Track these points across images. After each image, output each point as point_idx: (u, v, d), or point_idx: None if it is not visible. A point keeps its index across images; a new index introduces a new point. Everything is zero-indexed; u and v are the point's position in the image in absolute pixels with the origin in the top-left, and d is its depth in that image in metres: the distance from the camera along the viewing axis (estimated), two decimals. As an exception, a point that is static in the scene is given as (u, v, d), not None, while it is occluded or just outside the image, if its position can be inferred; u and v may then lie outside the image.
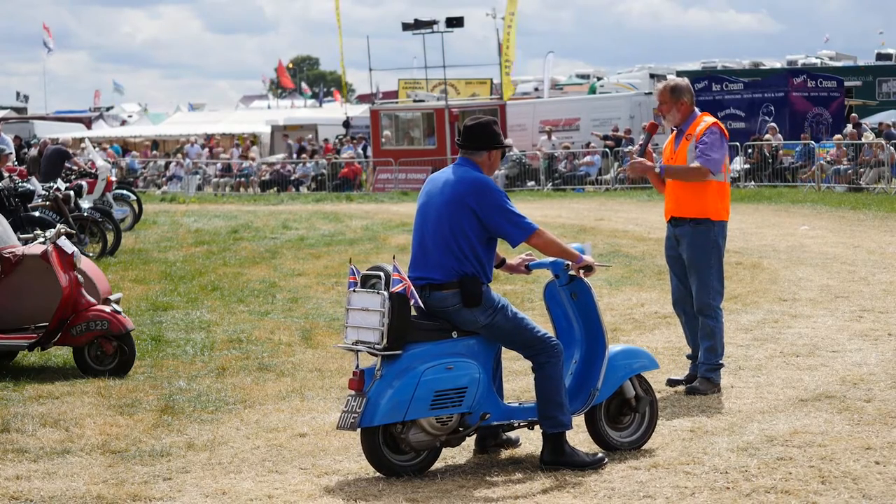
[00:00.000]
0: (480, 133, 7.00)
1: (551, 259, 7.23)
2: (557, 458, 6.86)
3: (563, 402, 6.88)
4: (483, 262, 6.88)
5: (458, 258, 6.80)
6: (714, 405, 8.35)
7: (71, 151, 24.65)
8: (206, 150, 44.44)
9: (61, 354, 10.62)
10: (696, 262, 8.85)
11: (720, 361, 8.85)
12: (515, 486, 6.60)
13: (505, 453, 7.25)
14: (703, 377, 8.79)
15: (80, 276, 10.10)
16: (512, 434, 7.26)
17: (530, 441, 7.43)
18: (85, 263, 10.46)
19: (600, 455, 6.98)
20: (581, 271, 7.09)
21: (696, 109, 8.99)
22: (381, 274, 6.75)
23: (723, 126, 8.95)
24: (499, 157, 7.06)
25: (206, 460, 7.28)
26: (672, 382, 8.97)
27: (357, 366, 6.76)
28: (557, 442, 6.88)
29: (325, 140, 43.28)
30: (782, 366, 9.53)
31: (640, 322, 11.70)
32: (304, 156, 40.08)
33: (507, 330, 6.86)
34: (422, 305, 6.74)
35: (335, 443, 7.54)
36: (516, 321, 6.88)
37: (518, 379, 9.10)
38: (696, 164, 8.72)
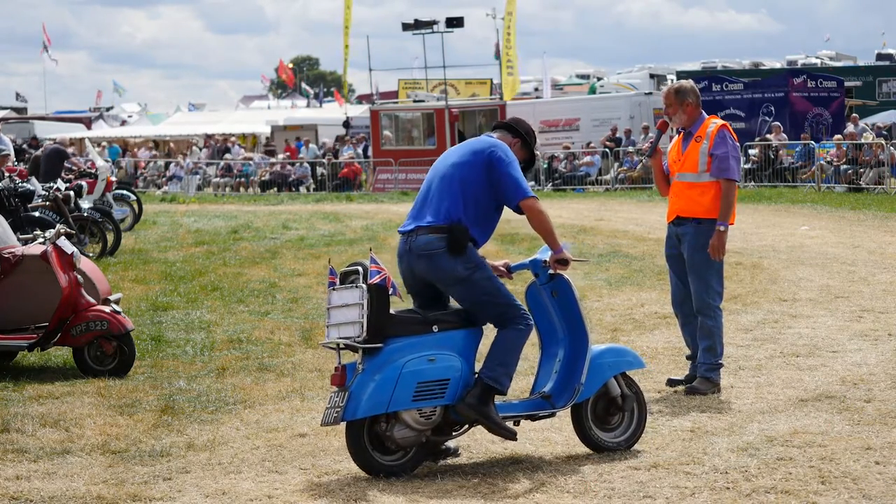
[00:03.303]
0: (519, 121, 7.34)
1: (530, 258, 7.33)
2: (479, 406, 6.78)
3: (510, 370, 6.89)
4: (480, 219, 6.94)
5: (457, 205, 6.88)
6: (714, 405, 8.34)
7: (71, 151, 24.61)
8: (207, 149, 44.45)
9: (61, 354, 10.62)
10: (696, 261, 8.87)
11: (719, 361, 8.85)
12: (515, 486, 6.60)
13: (505, 454, 7.25)
14: (703, 377, 8.79)
15: (79, 277, 10.10)
16: (451, 443, 7.18)
17: (530, 441, 7.44)
18: (85, 263, 10.46)
19: (515, 431, 6.93)
20: (557, 265, 7.11)
21: (703, 112, 9.04)
22: (359, 268, 6.81)
23: (730, 128, 9.03)
24: (520, 152, 7.18)
25: (206, 460, 7.28)
26: (672, 382, 8.98)
27: (339, 362, 6.79)
28: (486, 393, 6.82)
29: (287, 141, 43.35)
30: (782, 366, 9.53)
31: (640, 322, 11.70)
32: (301, 156, 40.10)
33: (484, 290, 6.85)
34: (400, 296, 6.82)
35: (335, 443, 7.54)
36: (494, 284, 6.90)
37: (517, 379, 9.10)
38: (722, 180, 8.79)
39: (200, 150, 44.51)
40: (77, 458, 7.37)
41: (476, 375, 6.88)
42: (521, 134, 7.23)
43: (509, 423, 7.01)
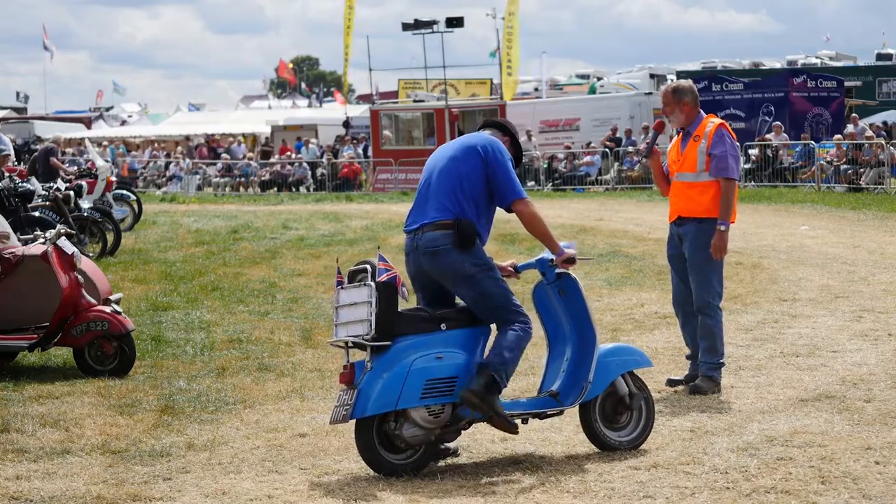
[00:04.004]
0: (508, 122, 7.38)
1: (536, 258, 7.33)
2: (485, 395, 6.74)
3: (511, 368, 6.86)
4: (481, 215, 6.95)
5: (459, 201, 6.89)
6: (714, 405, 8.35)
7: (71, 151, 24.53)
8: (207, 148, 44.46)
9: (61, 354, 10.62)
10: (696, 260, 8.87)
11: (721, 361, 8.85)
12: (515, 486, 6.60)
13: (505, 454, 7.25)
14: (705, 376, 8.80)
15: (80, 277, 10.09)
16: (451, 444, 7.18)
17: (530, 441, 7.44)
18: (85, 263, 10.46)
19: (517, 423, 6.93)
20: (564, 264, 7.13)
21: (701, 111, 9.04)
22: (368, 266, 6.84)
23: (729, 127, 9.01)
24: (510, 151, 7.19)
25: (206, 460, 7.28)
26: (672, 382, 8.98)
27: (347, 360, 6.79)
28: (493, 385, 6.78)
29: (284, 141, 43.35)
30: (782, 366, 9.53)
31: (640, 322, 11.70)
32: (299, 156, 40.07)
33: (489, 290, 6.85)
34: (406, 297, 6.85)
35: (335, 443, 7.55)
36: (501, 286, 6.91)
37: (518, 379, 9.10)
38: (721, 179, 8.79)
39: (188, 152, 44.59)
40: (77, 458, 7.37)
41: (480, 365, 6.83)
42: (510, 133, 7.27)
43: (517, 421, 7.01)
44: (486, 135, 7.18)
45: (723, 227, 8.79)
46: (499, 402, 6.84)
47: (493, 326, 7.06)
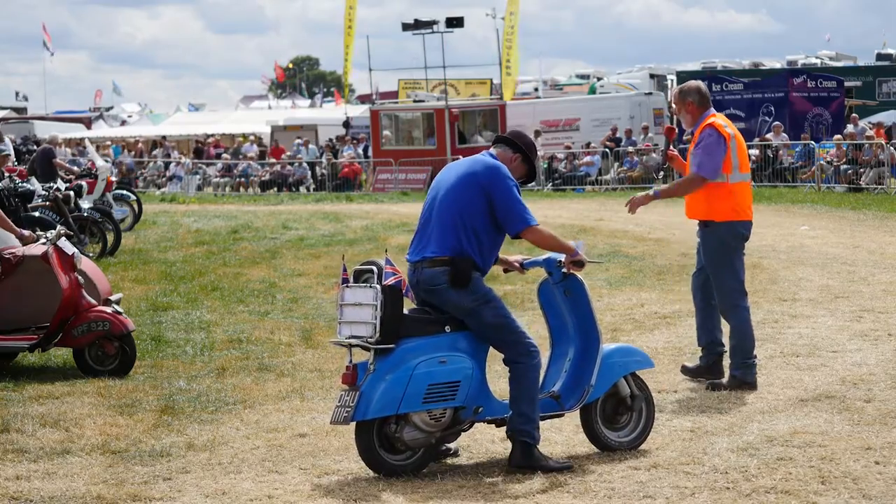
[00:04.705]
0: (521, 136, 7.18)
1: (544, 256, 7.29)
2: (528, 462, 6.82)
3: (536, 417, 6.86)
4: (483, 247, 6.88)
5: (458, 235, 6.81)
6: (714, 405, 8.35)
7: (70, 151, 24.53)
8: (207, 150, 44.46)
9: (61, 355, 10.61)
10: (709, 266, 8.93)
11: (747, 360, 8.81)
12: (515, 486, 6.61)
13: (504, 454, 7.24)
14: (732, 375, 8.84)
15: (80, 278, 10.09)
16: (452, 445, 7.20)
17: (530, 441, 7.43)
18: (85, 264, 10.46)
19: (569, 462, 6.97)
20: (572, 266, 7.10)
21: (711, 110, 8.95)
22: (374, 268, 6.81)
23: (720, 126, 8.79)
24: (521, 168, 7.10)
25: (206, 460, 7.28)
26: (685, 369, 9.09)
27: (350, 361, 6.78)
28: (527, 449, 6.84)
29: (276, 142, 43.36)
30: (782, 366, 9.54)
31: (640, 322, 11.71)
32: (299, 156, 40.07)
33: (492, 324, 6.83)
34: (413, 299, 6.83)
35: (335, 443, 7.55)
36: (503, 318, 6.85)
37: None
38: (689, 173, 8.81)
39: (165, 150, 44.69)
40: (77, 458, 7.37)
41: (509, 434, 6.88)
42: (521, 149, 7.10)
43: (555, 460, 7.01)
44: (489, 158, 6.99)
45: (651, 193, 8.79)
46: (540, 456, 6.84)
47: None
